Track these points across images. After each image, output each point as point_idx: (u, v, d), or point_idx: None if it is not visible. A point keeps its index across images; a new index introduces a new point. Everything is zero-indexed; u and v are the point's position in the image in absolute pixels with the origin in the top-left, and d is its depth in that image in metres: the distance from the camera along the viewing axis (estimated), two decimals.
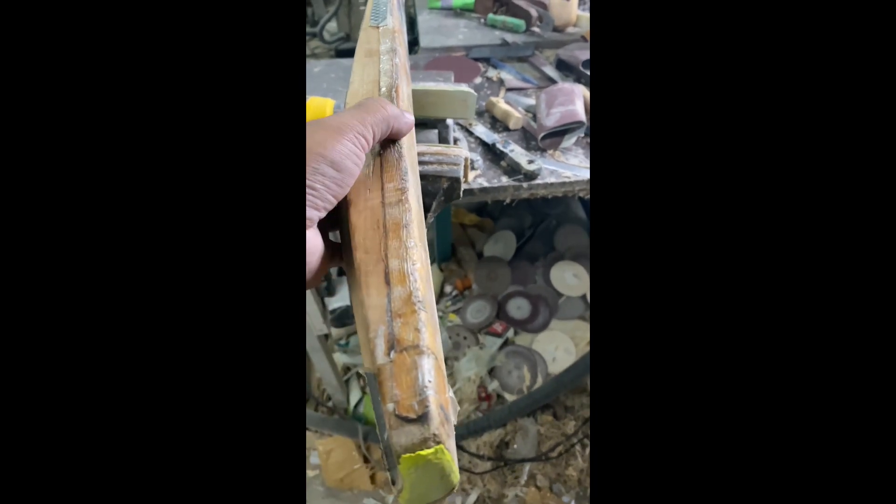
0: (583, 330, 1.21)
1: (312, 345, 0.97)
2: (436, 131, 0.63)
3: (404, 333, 0.20)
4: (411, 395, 0.18)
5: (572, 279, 1.27)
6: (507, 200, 0.71)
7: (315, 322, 0.92)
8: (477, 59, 0.90)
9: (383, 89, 0.36)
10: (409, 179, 0.29)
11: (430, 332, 0.20)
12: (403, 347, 0.19)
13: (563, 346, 1.18)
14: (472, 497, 1.05)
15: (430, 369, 0.19)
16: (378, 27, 0.45)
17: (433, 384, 0.18)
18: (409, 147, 0.32)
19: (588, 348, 1.17)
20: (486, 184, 0.69)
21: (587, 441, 1.09)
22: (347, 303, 0.91)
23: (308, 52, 1.07)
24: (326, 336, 1.01)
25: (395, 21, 0.46)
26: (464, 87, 0.57)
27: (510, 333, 1.22)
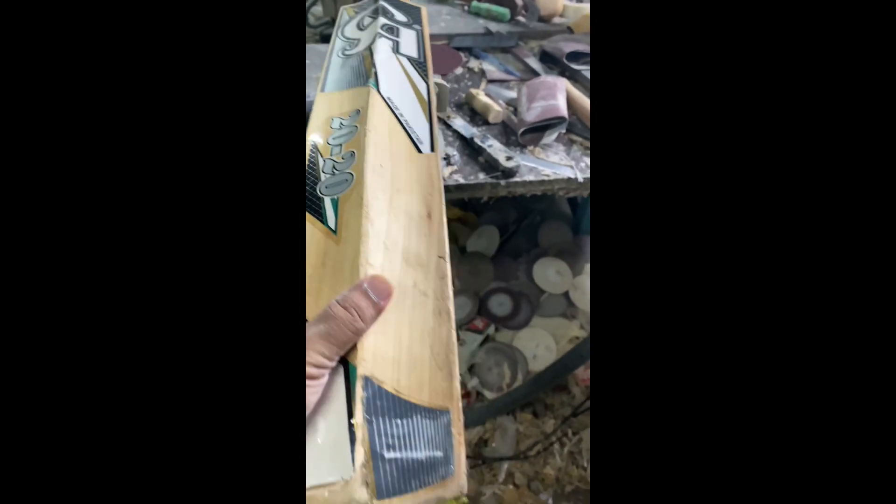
0: (564, 327, 1.19)
1: None
2: None
3: None
4: None
5: (555, 276, 1.25)
6: (485, 198, 0.69)
7: None
8: (459, 49, 0.87)
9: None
10: None
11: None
12: None
13: (545, 343, 1.16)
14: None
15: None
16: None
17: None
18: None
19: (569, 346, 1.15)
20: (462, 180, 0.66)
21: (566, 440, 1.09)
22: None
23: None
24: None
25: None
26: (437, 79, 0.54)
27: (491, 330, 1.20)
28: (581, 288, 1.24)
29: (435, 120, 0.38)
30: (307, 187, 0.32)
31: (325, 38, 1.08)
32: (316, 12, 1.15)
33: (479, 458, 1.08)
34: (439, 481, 0.22)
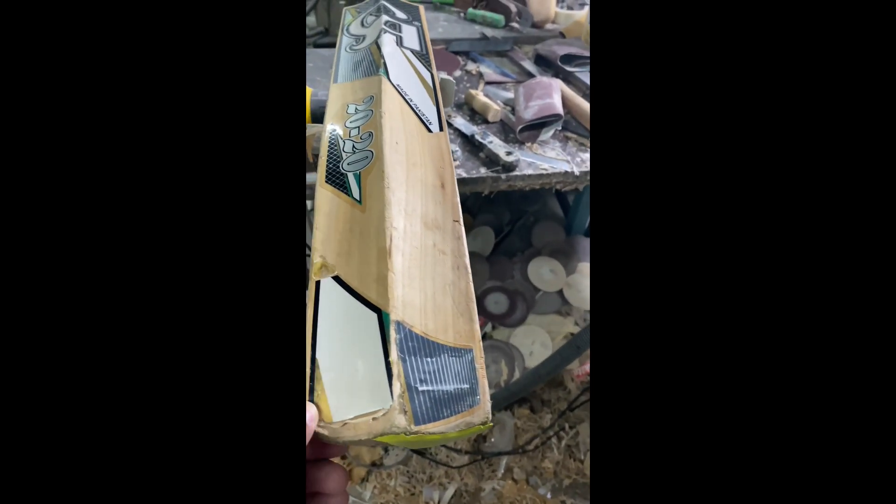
0: (559, 324, 1.22)
1: None
2: None
3: None
4: None
5: (549, 274, 1.28)
6: (486, 192, 0.72)
7: None
8: (456, 53, 0.90)
9: None
10: None
11: None
12: None
13: (540, 340, 1.19)
14: (450, 491, 1.05)
15: None
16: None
17: None
18: None
19: (564, 342, 1.18)
20: (464, 174, 0.69)
21: (563, 434, 1.11)
22: None
23: None
24: None
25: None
26: (443, 75, 0.57)
27: (488, 328, 1.22)
28: (575, 286, 1.27)
29: (441, 103, 0.41)
30: (331, 165, 0.35)
31: (319, 46, 1.11)
32: (309, 23, 1.18)
33: (478, 453, 1.09)
34: (467, 409, 0.24)
